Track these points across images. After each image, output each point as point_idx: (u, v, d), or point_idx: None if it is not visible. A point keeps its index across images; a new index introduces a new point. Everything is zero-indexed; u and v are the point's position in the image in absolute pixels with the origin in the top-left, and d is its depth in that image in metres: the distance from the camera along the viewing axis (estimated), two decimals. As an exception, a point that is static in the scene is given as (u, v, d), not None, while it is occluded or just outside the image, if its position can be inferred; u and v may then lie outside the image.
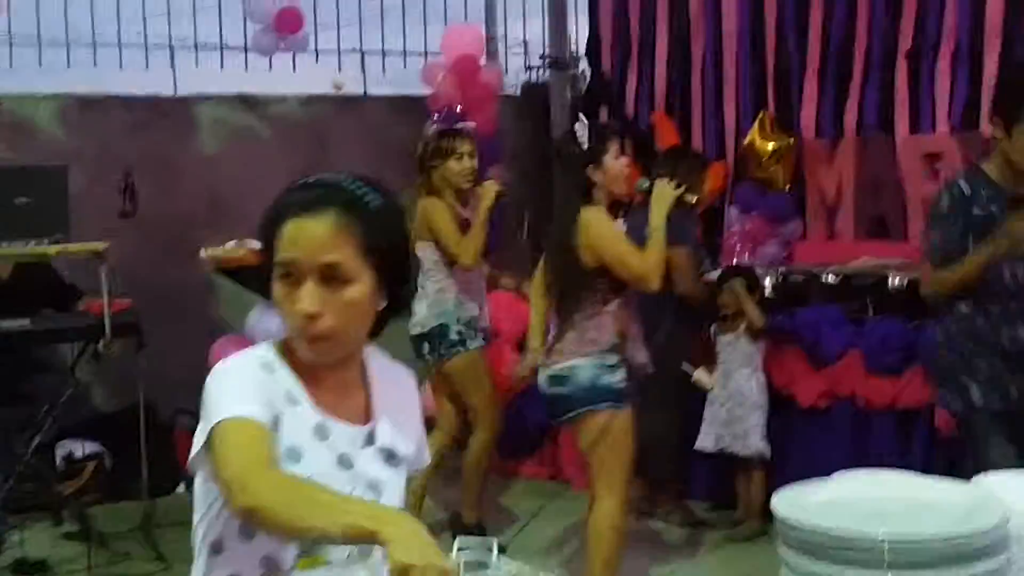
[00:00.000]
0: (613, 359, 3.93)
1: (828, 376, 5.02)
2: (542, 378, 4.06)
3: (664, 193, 4.08)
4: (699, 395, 5.11)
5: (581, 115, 4.13)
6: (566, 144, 4.07)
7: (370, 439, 1.82)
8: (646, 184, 4.21)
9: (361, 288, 1.71)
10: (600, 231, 3.94)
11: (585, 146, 3.95)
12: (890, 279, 5.03)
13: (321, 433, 1.76)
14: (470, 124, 5.66)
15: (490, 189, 4.98)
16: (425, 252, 5.03)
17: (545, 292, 4.22)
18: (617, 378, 3.93)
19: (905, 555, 1.47)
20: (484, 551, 1.55)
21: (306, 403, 1.76)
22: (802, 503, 1.68)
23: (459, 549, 1.54)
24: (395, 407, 1.87)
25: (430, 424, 6.58)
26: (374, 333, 1.83)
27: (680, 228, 5.01)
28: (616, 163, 4.01)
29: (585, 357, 3.91)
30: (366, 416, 1.83)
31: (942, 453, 4.67)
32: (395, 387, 1.90)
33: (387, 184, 1.82)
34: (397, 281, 1.77)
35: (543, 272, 4.25)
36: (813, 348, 5.07)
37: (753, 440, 4.96)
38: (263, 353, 1.79)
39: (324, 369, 1.78)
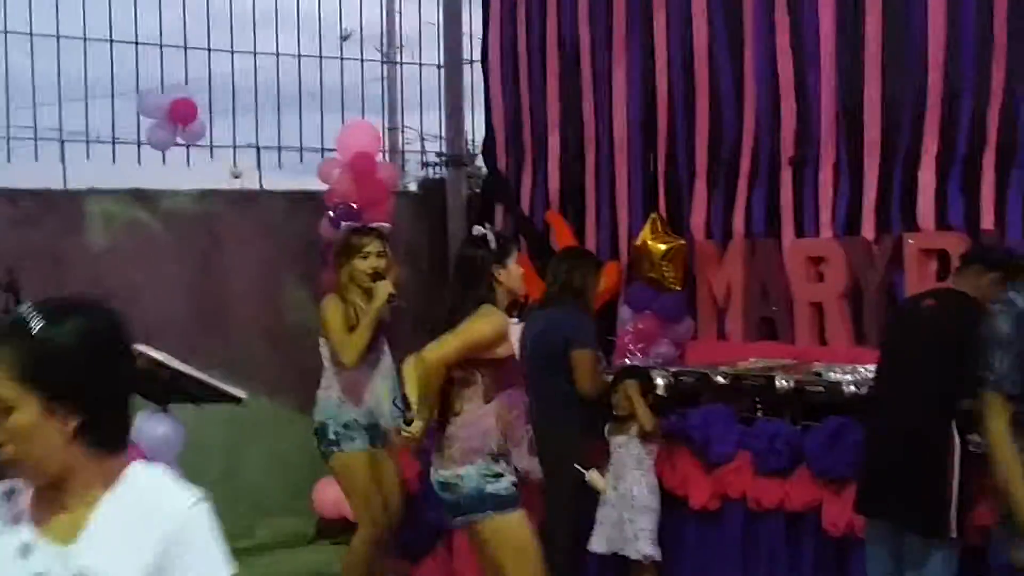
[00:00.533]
0: (497, 467, 3.99)
1: (718, 477, 5.07)
2: (434, 481, 4.15)
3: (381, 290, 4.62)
4: (594, 495, 5.11)
5: (485, 223, 4.33)
6: (474, 245, 4.19)
7: (67, 560, 1.83)
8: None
9: (23, 415, 1.80)
10: (468, 326, 4.06)
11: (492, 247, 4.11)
12: (777, 380, 5.12)
13: (25, 552, 1.85)
14: (385, 225, 5.74)
15: (382, 290, 5.02)
16: (323, 350, 5.11)
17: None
18: (503, 484, 4.00)
19: None
20: None
21: (26, 522, 1.87)
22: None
23: None
24: (123, 530, 1.85)
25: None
26: (106, 448, 1.86)
27: (582, 330, 5.10)
28: (517, 267, 4.18)
29: (470, 465, 3.99)
30: (75, 537, 1.86)
31: (831, 554, 4.73)
32: (139, 511, 1.86)
33: (84, 304, 1.91)
34: (82, 399, 1.83)
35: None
36: (703, 449, 5.12)
37: (642, 544, 4.96)
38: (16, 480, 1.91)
39: (45, 489, 1.87)
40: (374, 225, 5.62)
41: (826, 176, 5.73)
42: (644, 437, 5.04)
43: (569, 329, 5.10)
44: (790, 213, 5.86)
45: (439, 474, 4.09)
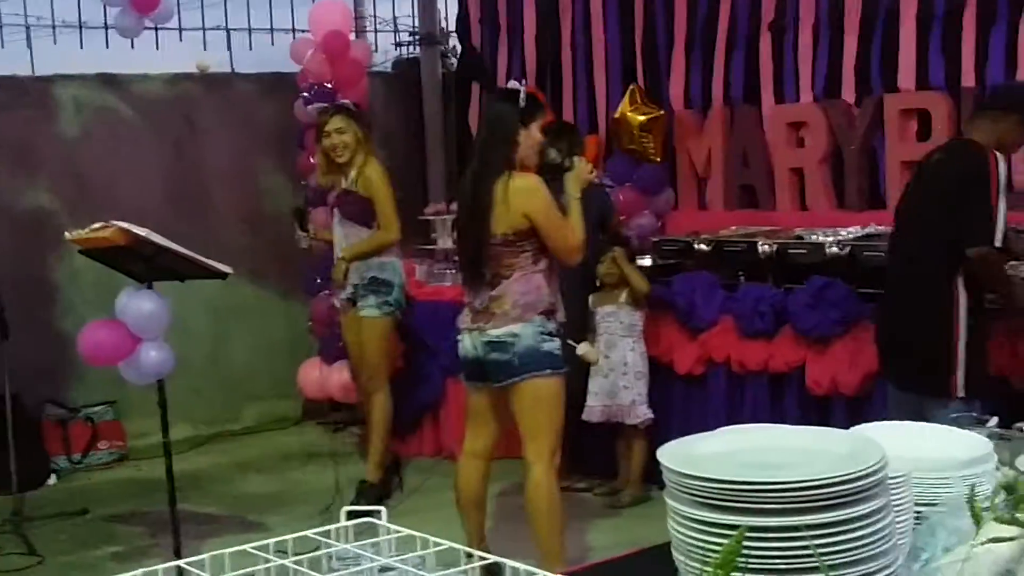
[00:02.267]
0: (551, 325, 3.94)
1: (703, 343, 5.12)
2: (476, 343, 3.97)
3: (582, 170, 4.11)
4: (583, 368, 5.08)
5: (523, 80, 4.14)
6: (506, 100, 4.01)
7: None
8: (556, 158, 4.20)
9: None
10: (544, 197, 3.91)
11: (522, 106, 3.93)
12: (759, 245, 5.12)
13: None
14: (346, 102, 5.63)
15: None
16: None
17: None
18: (556, 344, 3.95)
19: (792, 499, 1.50)
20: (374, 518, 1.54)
21: None
22: (688, 454, 1.70)
23: (348, 515, 1.53)
24: None
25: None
26: None
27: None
28: (537, 134, 4.02)
29: (526, 323, 3.89)
30: None
31: (813, 411, 4.80)
32: None
33: None
34: None
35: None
36: (688, 316, 5.15)
37: (641, 409, 5.04)
38: None
39: None
40: (335, 103, 5.55)
41: (805, 40, 5.67)
42: (635, 303, 5.05)
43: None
44: (769, 79, 5.81)
45: (489, 334, 3.91)
